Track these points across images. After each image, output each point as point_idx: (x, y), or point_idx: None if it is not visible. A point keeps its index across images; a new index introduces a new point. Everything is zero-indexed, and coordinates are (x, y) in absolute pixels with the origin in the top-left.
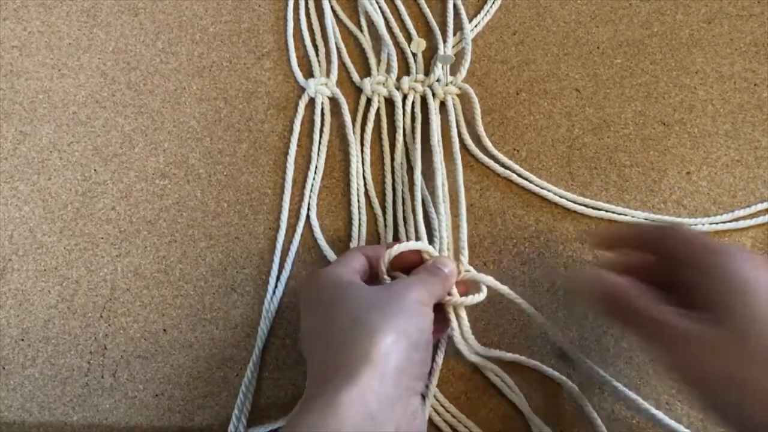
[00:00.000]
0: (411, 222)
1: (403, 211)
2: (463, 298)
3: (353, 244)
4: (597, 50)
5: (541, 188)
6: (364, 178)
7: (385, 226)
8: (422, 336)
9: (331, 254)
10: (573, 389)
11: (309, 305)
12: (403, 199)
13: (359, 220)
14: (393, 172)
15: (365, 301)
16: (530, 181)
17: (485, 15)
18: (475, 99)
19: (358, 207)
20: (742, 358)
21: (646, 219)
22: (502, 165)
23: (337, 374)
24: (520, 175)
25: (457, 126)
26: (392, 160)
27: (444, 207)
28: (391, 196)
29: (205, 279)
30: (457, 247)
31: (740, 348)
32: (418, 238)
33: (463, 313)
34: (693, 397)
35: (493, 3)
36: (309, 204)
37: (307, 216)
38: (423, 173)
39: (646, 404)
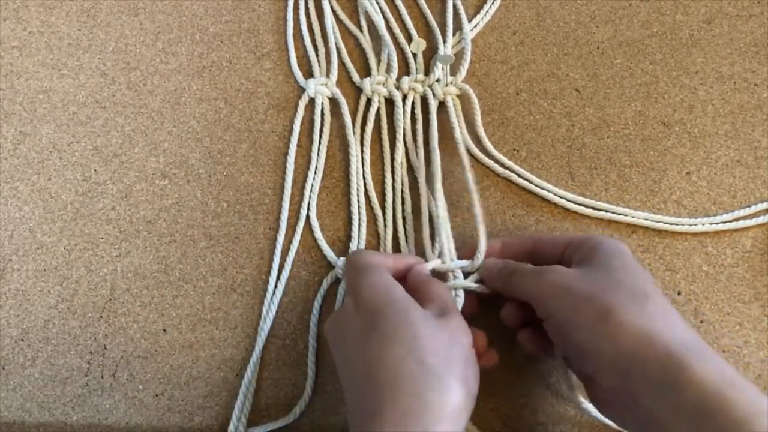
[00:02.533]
0: (410, 222)
1: (403, 211)
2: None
3: (353, 244)
4: (597, 50)
5: (541, 188)
6: (364, 178)
7: (385, 226)
8: (477, 384)
9: (331, 254)
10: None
11: (362, 314)
12: (403, 199)
13: (359, 220)
14: (393, 172)
15: (427, 342)
16: (530, 182)
17: (484, 15)
18: (475, 99)
19: (358, 207)
20: (599, 282)
21: (646, 219)
22: (502, 165)
23: (407, 425)
24: (520, 176)
25: (458, 126)
26: (392, 160)
27: (443, 211)
28: (391, 196)
29: (205, 279)
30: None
31: (599, 277)
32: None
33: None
34: (553, 322)
35: (493, 3)
36: (309, 204)
37: (307, 216)
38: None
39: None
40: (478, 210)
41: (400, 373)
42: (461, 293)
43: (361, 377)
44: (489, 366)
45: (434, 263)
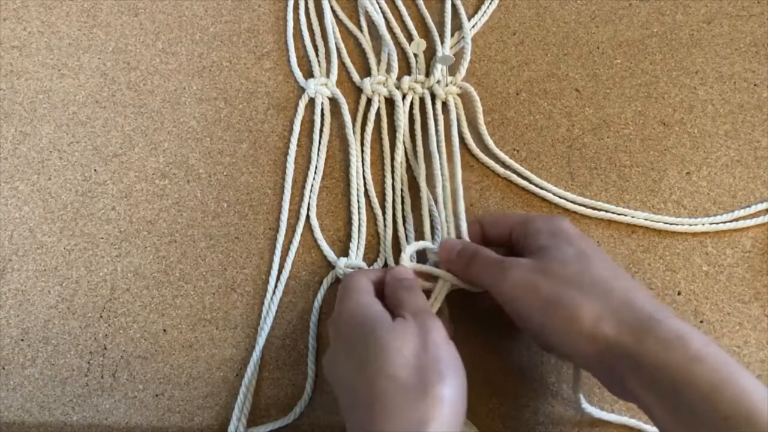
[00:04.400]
0: (410, 222)
1: (402, 210)
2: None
3: (353, 244)
4: (597, 50)
5: (541, 188)
6: (364, 178)
7: (385, 226)
8: (460, 374)
9: (331, 254)
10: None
11: (342, 342)
12: (403, 198)
13: (359, 220)
14: (393, 172)
15: (396, 355)
16: (530, 181)
17: (482, 15)
18: (477, 97)
19: (358, 207)
20: (562, 279)
21: (646, 219)
22: (503, 164)
23: None
24: (520, 175)
25: (459, 126)
26: (392, 160)
27: (445, 214)
28: (391, 196)
29: (205, 279)
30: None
31: (561, 271)
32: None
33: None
34: (526, 323)
35: (491, 2)
36: (309, 204)
37: (307, 216)
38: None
39: None
40: (461, 204)
41: (375, 392)
42: (444, 283)
43: (349, 402)
44: None
45: (405, 263)
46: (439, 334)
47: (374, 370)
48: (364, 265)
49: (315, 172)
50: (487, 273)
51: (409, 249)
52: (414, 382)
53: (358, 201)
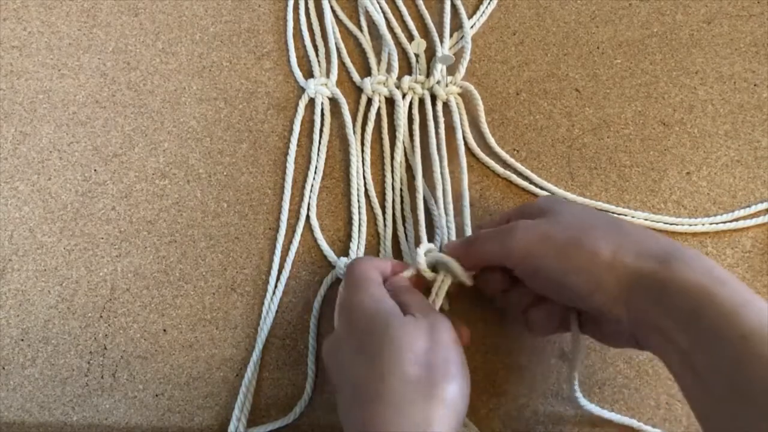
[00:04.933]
0: (410, 222)
1: (402, 210)
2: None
3: (353, 244)
4: (597, 50)
5: (541, 188)
6: (364, 178)
7: (385, 226)
8: (466, 377)
9: (330, 254)
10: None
11: (350, 333)
12: (402, 198)
13: (359, 220)
14: (393, 172)
15: (408, 353)
16: (530, 181)
17: (481, 15)
18: (478, 96)
19: (358, 207)
20: (573, 226)
21: (646, 219)
22: (504, 163)
23: None
24: (520, 175)
25: (461, 125)
26: (392, 159)
27: (446, 218)
28: (391, 195)
29: (205, 279)
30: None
31: (570, 220)
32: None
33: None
34: (542, 274)
35: (490, 2)
36: (309, 204)
37: (307, 216)
38: (423, 176)
39: None
40: (467, 210)
41: (383, 388)
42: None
43: (351, 396)
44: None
45: (420, 259)
46: (448, 334)
47: (385, 367)
48: None
49: (315, 172)
50: (491, 243)
51: (421, 249)
52: (422, 381)
53: (358, 201)
